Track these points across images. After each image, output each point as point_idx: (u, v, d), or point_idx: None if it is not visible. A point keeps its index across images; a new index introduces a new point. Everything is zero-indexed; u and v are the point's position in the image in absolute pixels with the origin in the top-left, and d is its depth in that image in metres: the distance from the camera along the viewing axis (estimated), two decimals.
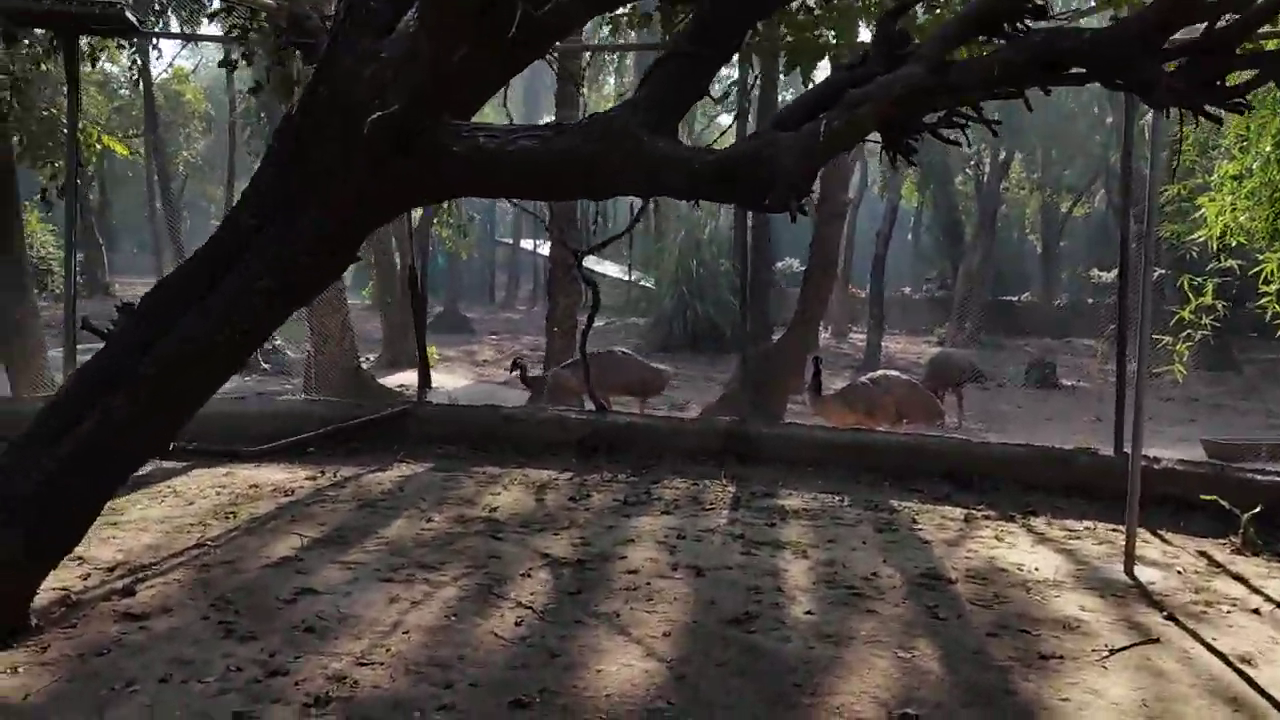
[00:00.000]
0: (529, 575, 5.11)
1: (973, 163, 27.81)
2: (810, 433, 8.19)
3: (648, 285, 28.67)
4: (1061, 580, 5.34)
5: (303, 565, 5.18)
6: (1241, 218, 7.70)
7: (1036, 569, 5.53)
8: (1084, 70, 2.78)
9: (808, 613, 4.70)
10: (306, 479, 7.15)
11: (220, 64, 7.92)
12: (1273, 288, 7.92)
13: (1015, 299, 30.62)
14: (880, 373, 9.84)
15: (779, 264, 32.21)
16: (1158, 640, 4.49)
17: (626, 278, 31.85)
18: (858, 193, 27.62)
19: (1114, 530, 6.50)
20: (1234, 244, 7.96)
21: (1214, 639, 4.53)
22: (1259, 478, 6.91)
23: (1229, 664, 4.24)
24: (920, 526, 6.42)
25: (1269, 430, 13.68)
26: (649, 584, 5.03)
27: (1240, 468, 7.29)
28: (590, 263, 37.82)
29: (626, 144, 2.97)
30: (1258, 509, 6.20)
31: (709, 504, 6.81)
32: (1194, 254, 8.66)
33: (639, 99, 3.20)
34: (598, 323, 33.16)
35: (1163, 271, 10.16)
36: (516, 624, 4.43)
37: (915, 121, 3.04)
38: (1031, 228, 36.41)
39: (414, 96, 2.94)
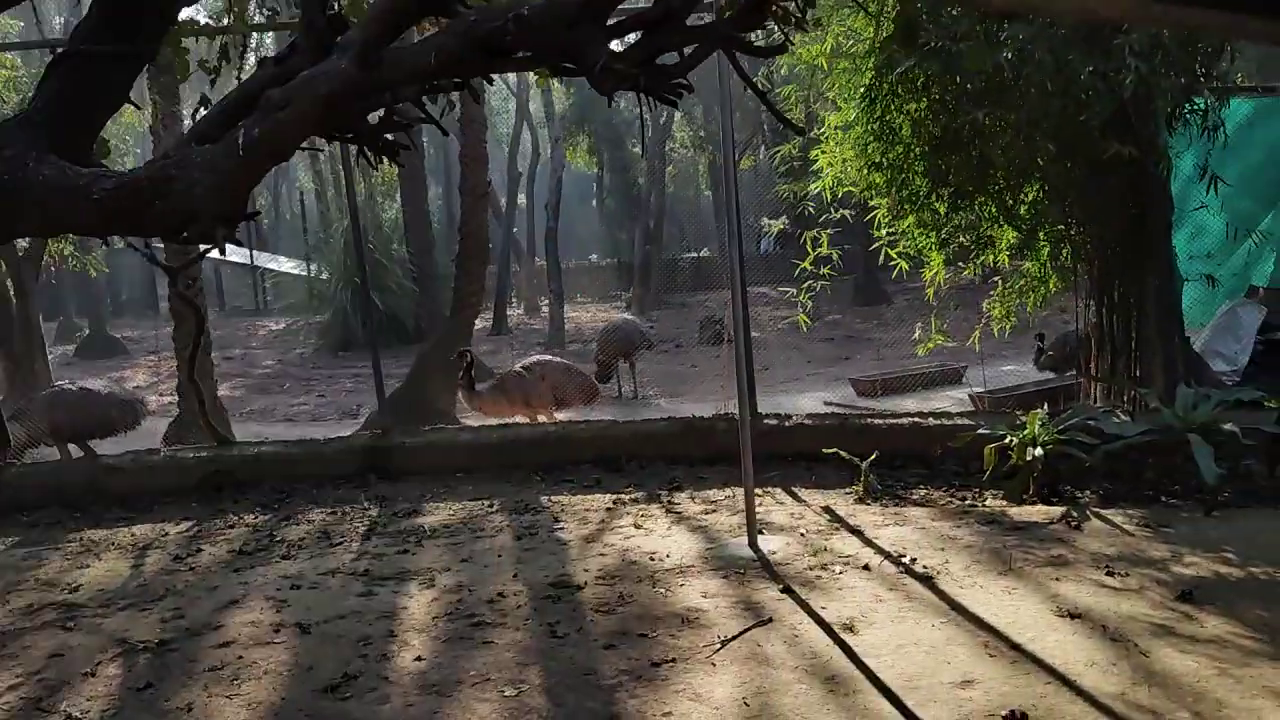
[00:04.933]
0: (93, 674, 4.35)
1: (636, 125, 28.31)
2: (456, 436, 7.78)
3: (327, 279, 27.10)
4: (690, 565, 5.25)
5: None
6: (849, 168, 8.02)
7: (668, 555, 5.42)
8: (530, 55, 2.47)
9: (417, 659, 4.28)
10: None
11: None
12: (883, 233, 8.35)
13: (695, 255, 31.68)
14: (534, 358, 9.57)
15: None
16: (770, 621, 4.45)
17: (304, 272, 30.02)
18: (530, 164, 27.44)
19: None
20: (841, 194, 8.29)
21: (823, 608, 4.55)
22: (877, 422, 7.25)
23: (832, 635, 4.25)
24: (562, 525, 6.18)
25: (912, 359, 14.76)
26: (240, 657, 4.42)
27: (860, 414, 7.64)
28: (263, 259, 35.20)
29: (2, 173, 2.33)
30: (874, 456, 6.46)
31: (339, 537, 6.23)
32: (810, 210, 8.98)
33: (31, 112, 2.57)
34: (277, 325, 30.83)
35: (782, 225, 10.54)
36: None
37: (357, 123, 2.63)
38: (706, 184, 37.81)
39: None
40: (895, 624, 4.32)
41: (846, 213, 8.63)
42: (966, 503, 6.16)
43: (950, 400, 11.32)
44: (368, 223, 22.22)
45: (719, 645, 4.21)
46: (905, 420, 7.18)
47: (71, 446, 9.12)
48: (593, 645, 4.32)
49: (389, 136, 2.79)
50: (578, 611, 4.72)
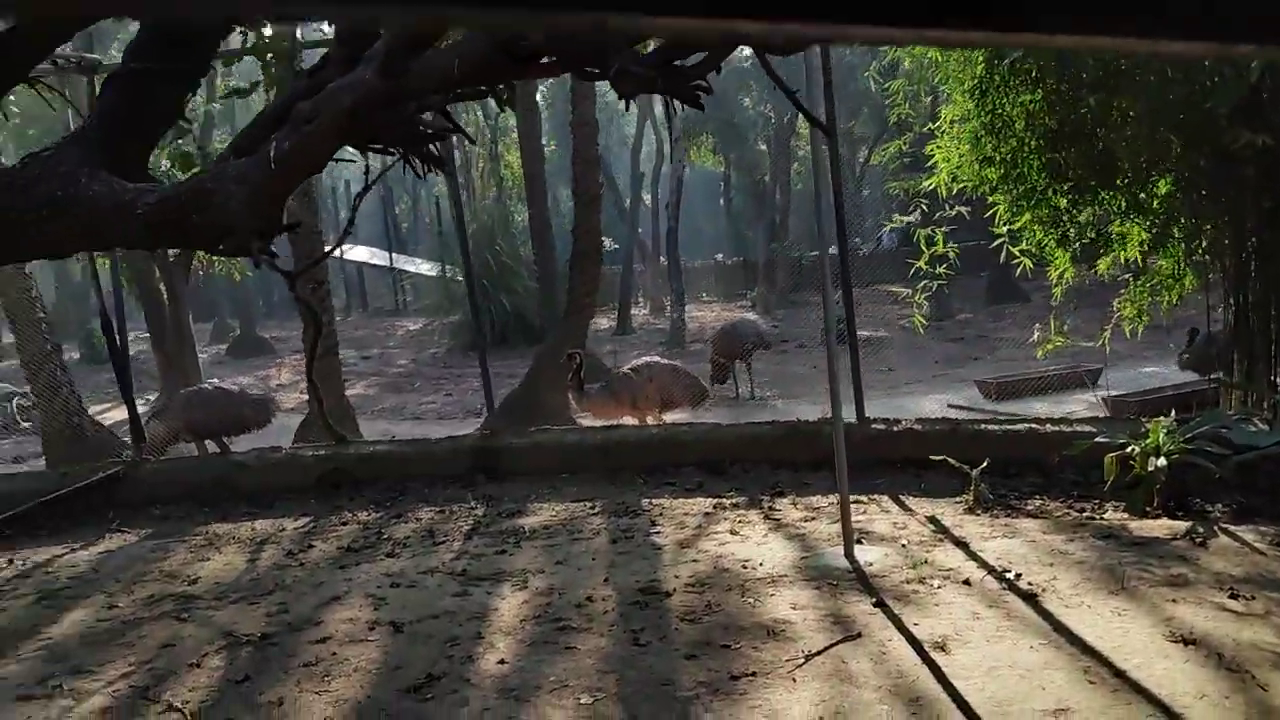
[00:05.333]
0: (199, 665, 4.55)
1: (760, 122, 28.09)
2: (562, 437, 7.84)
3: (461, 280, 27.76)
4: (782, 574, 5.14)
5: None
6: (965, 163, 7.71)
7: (761, 564, 5.32)
8: (555, 59, 2.43)
9: (500, 662, 4.32)
10: None
11: None
12: (1003, 229, 8.00)
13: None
14: (643, 360, 9.55)
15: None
16: (858, 636, 4.30)
17: (440, 274, 30.88)
18: (653, 165, 27.49)
19: (855, 502, 6.39)
20: (956, 190, 7.96)
21: (915, 624, 4.37)
22: (991, 428, 6.95)
23: (922, 654, 4.08)
24: (659, 529, 6.15)
25: (1045, 359, 14.12)
26: (335, 654, 4.55)
27: (974, 420, 7.34)
28: (401, 262, 36.34)
29: (56, 189, 2.44)
30: (985, 464, 6.19)
31: (443, 536, 6.36)
32: (925, 207, 8.69)
33: (85, 129, 2.67)
34: (415, 325, 31.65)
35: (910, 220, 10.25)
36: None
37: (386, 133, 2.64)
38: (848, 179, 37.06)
39: None
40: (991, 644, 4.12)
41: (963, 209, 8.34)
42: (1084, 515, 5.84)
43: (1083, 404, 10.77)
44: (497, 225, 22.70)
45: (802, 660, 4.10)
46: (1021, 426, 6.85)
47: (208, 443, 9.61)
48: (674, 655, 4.27)
49: (431, 147, 2.81)
50: (663, 619, 4.68)
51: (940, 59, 7.23)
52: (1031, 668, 3.86)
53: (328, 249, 10.03)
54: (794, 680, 3.93)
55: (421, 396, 16.80)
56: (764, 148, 31.36)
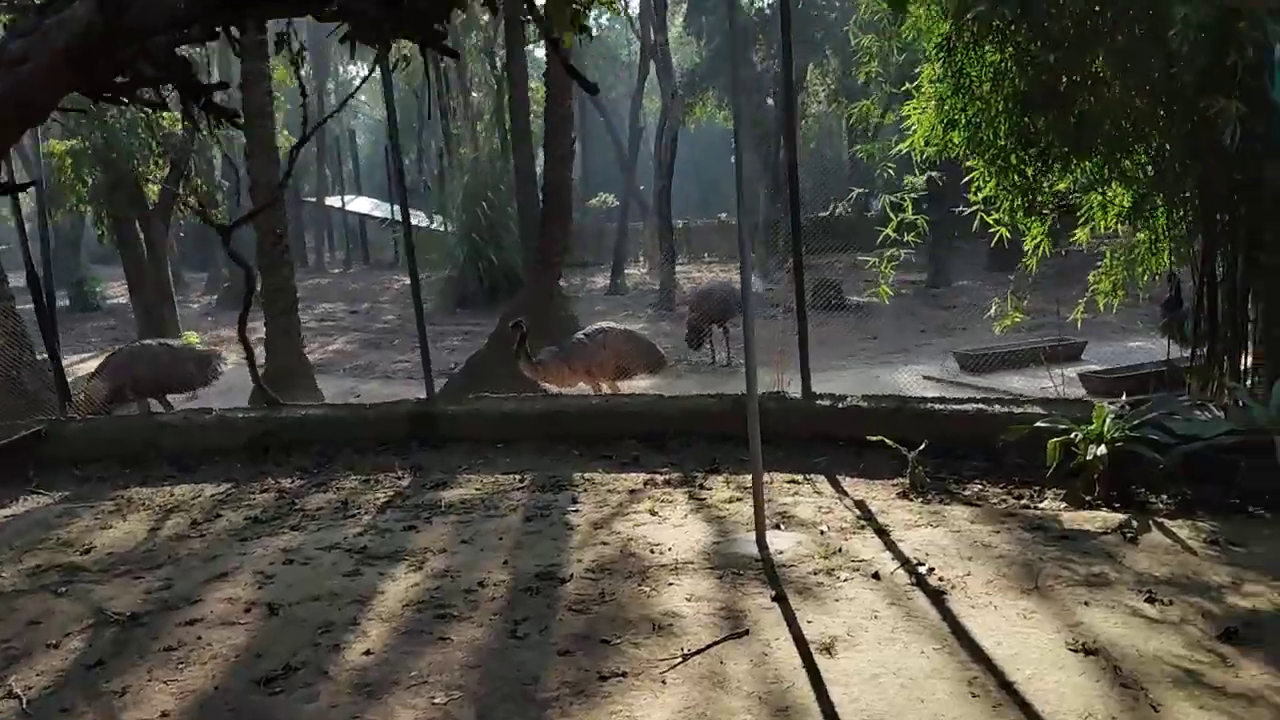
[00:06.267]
0: (57, 646, 4.33)
1: (766, 79, 27.43)
2: (500, 406, 7.55)
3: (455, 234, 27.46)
4: (688, 561, 4.86)
5: None
6: (934, 124, 7.31)
7: (670, 548, 5.04)
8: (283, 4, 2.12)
9: (366, 653, 4.07)
10: None
11: None
12: (980, 195, 7.61)
13: (827, 214, 30.52)
14: (597, 326, 9.25)
15: (592, 200, 31.55)
16: (745, 633, 4.03)
17: (439, 228, 30.59)
18: (658, 121, 26.96)
19: (790, 483, 6.15)
20: (929, 155, 7.56)
21: (809, 621, 4.09)
22: (938, 407, 6.63)
23: (806, 657, 3.80)
24: (577, 507, 5.88)
25: (1029, 331, 13.72)
26: (199, 638, 4.31)
27: (920, 399, 7.01)
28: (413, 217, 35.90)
29: None
30: (922, 446, 5.88)
31: (356, 508, 6.12)
32: (890, 171, 8.29)
33: None
34: (410, 280, 31.43)
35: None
36: None
37: (103, 78, 2.33)
38: (851, 139, 36.34)
39: None
40: (880, 647, 3.83)
41: (937, 175, 7.98)
42: (1020, 503, 5.54)
43: (1062, 379, 10.40)
44: (490, 179, 22.32)
45: (679, 660, 3.83)
46: (969, 406, 6.52)
47: (151, 401, 9.40)
48: (549, 649, 4.01)
49: (217, 99, 2.49)
50: (551, 608, 4.42)
51: (923, 15, 6.77)
52: (916, 676, 3.58)
53: (250, 211, 9.78)
54: (663, 682, 3.66)
55: (398, 354, 16.56)
56: (771, 103, 30.70)
